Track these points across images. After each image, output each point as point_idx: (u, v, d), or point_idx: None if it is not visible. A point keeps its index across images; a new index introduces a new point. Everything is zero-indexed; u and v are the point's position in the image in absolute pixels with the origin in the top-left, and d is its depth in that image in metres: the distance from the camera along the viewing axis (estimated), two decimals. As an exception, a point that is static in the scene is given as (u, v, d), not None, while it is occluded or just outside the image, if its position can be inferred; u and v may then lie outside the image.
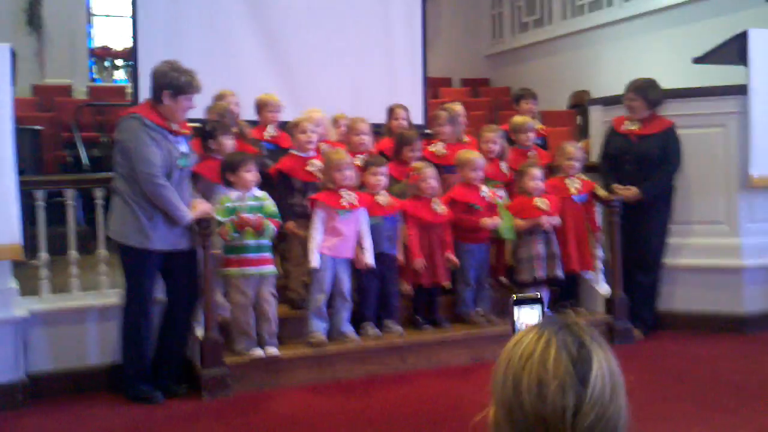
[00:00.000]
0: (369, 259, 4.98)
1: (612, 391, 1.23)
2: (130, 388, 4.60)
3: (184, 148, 4.60)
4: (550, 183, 5.69)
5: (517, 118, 6.18)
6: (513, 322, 1.62)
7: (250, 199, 4.76)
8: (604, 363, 1.25)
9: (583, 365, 1.24)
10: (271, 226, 4.75)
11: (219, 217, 4.64)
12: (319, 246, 4.87)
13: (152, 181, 4.37)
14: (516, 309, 1.62)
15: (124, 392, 4.63)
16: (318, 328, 4.92)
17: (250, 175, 4.72)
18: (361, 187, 5.28)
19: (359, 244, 4.99)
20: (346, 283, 4.98)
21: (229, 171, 4.76)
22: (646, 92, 5.86)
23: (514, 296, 1.65)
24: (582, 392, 1.22)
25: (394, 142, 5.74)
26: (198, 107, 5.55)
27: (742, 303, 5.89)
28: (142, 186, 4.39)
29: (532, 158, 5.90)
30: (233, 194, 4.72)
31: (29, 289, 4.80)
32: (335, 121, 6.16)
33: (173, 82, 4.47)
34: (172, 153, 4.48)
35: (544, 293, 5.61)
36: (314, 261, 4.84)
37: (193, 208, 4.59)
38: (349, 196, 4.91)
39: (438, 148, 5.86)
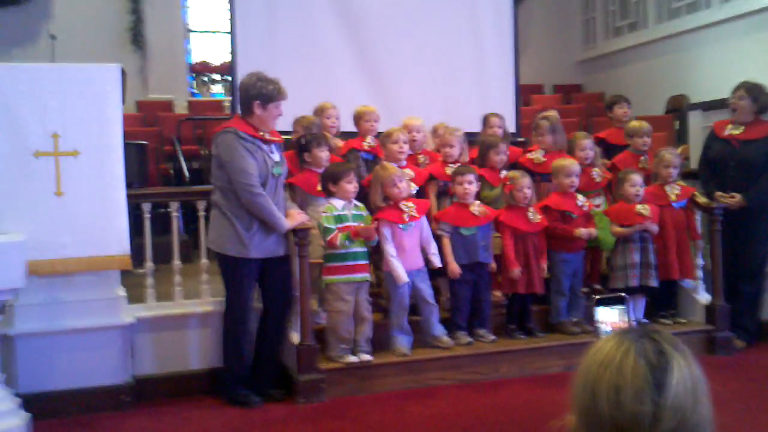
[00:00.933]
0: (437, 262, 5.04)
1: (694, 399, 1.23)
2: (229, 392, 4.76)
3: (277, 156, 4.75)
4: (649, 191, 5.58)
5: (635, 122, 6.12)
6: (595, 321, 1.61)
7: (354, 209, 4.87)
8: (685, 371, 1.25)
9: (662, 372, 1.23)
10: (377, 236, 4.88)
11: (327, 225, 4.74)
12: (397, 260, 4.91)
13: (250, 190, 4.52)
14: (598, 309, 1.61)
15: (223, 395, 4.80)
16: (402, 343, 4.99)
17: (351, 186, 4.83)
18: (452, 197, 5.33)
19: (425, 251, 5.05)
20: (425, 291, 5.03)
21: (330, 182, 4.87)
22: (757, 93, 5.69)
23: (596, 296, 1.64)
24: (660, 399, 1.21)
25: (478, 148, 5.74)
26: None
27: None
28: (240, 196, 4.54)
29: (643, 163, 5.83)
30: (338, 204, 4.83)
31: (134, 296, 5.02)
32: (434, 131, 6.20)
33: (262, 92, 4.63)
34: (267, 162, 4.63)
35: (639, 302, 5.52)
36: (402, 276, 4.89)
37: (290, 217, 4.72)
38: (408, 209, 4.95)
39: (537, 155, 5.81)
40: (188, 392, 4.96)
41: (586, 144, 5.75)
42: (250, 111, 4.66)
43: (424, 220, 5.09)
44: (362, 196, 5.13)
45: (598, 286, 5.84)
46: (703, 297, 5.69)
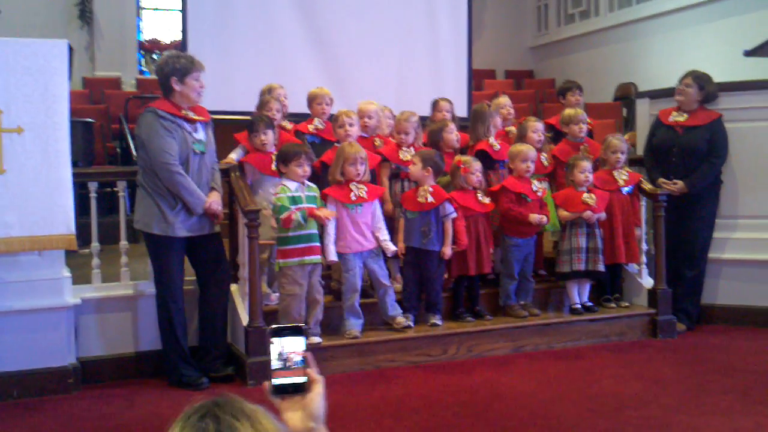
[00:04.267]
0: (391, 246, 5.05)
1: None
2: (174, 373, 4.76)
3: (200, 135, 4.76)
4: (598, 176, 5.67)
5: (569, 110, 6.14)
6: (270, 354, 1.52)
7: (307, 189, 4.85)
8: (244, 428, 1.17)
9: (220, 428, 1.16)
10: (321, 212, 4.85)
11: (282, 204, 4.71)
12: (333, 240, 4.92)
13: (168, 168, 4.54)
14: (276, 339, 1.52)
15: (168, 377, 4.78)
16: (353, 326, 5.00)
17: (300, 170, 4.79)
18: (404, 180, 5.37)
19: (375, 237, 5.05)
20: (379, 272, 5.04)
21: (281, 163, 4.86)
22: (704, 82, 5.79)
23: (272, 327, 1.56)
24: None
25: (427, 135, 5.75)
26: (249, 101, 5.69)
27: (788, 298, 5.83)
28: (158, 174, 4.56)
29: (584, 150, 5.88)
30: (291, 185, 4.80)
31: (79, 277, 4.94)
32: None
33: (176, 67, 4.67)
34: (187, 140, 4.64)
35: (585, 286, 5.62)
36: (331, 254, 4.90)
37: (210, 198, 4.73)
38: (358, 190, 4.96)
39: (494, 141, 5.77)
40: (135, 374, 4.92)
41: (537, 126, 5.80)
42: (170, 89, 4.68)
43: (376, 204, 5.09)
44: (314, 178, 5.11)
45: (542, 272, 5.95)
46: (647, 281, 5.81)
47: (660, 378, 4.69)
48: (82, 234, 4.91)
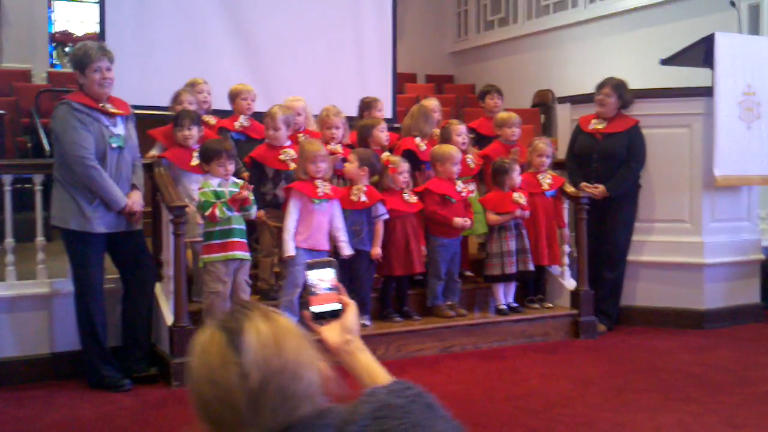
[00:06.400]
0: (347, 250, 4.99)
1: (277, 348, 1.29)
2: (94, 374, 4.58)
3: (119, 129, 4.59)
4: (523, 178, 5.75)
5: (504, 114, 6.22)
6: (307, 285, 1.72)
7: (231, 185, 4.73)
8: (262, 325, 1.31)
9: (236, 334, 1.28)
10: (253, 209, 4.76)
11: (206, 199, 4.59)
12: (293, 235, 4.85)
13: (82, 162, 4.38)
14: (311, 272, 1.72)
15: (87, 378, 4.60)
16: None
17: (222, 169, 4.68)
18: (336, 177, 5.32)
19: (333, 237, 4.99)
20: None
21: (203, 161, 4.76)
22: (622, 91, 5.95)
23: (307, 261, 1.80)
24: (240, 358, 1.26)
25: (357, 132, 5.72)
26: (170, 96, 5.54)
27: (702, 299, 6.04)
28: (73, 169, 4.40)
29: (515, 154, 5.96)
30: (214, 181, 4.69)
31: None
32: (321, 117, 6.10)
33: (75, 60, 4.55)
34: (104, 134, 4.48)
35: (510, 287, 5.70)
36: (290, 249, 4.82)
37: (129, 197, 4.57)
38: (324, 187, 4.90)
39: (420, 141, 5.78)
40: (52, 376, 4.72)
41: (462, 129, 5.85)
42: (80, 83, 4.54)
43: (336, 205, 5.02)
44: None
45: (468, 272, 6.00)
46: (569, 283, 5.93)
47: (584, 377, 4.78)
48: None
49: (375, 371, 1.62)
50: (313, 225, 4.89)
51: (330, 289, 1.71)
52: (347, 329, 1.67)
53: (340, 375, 1.44)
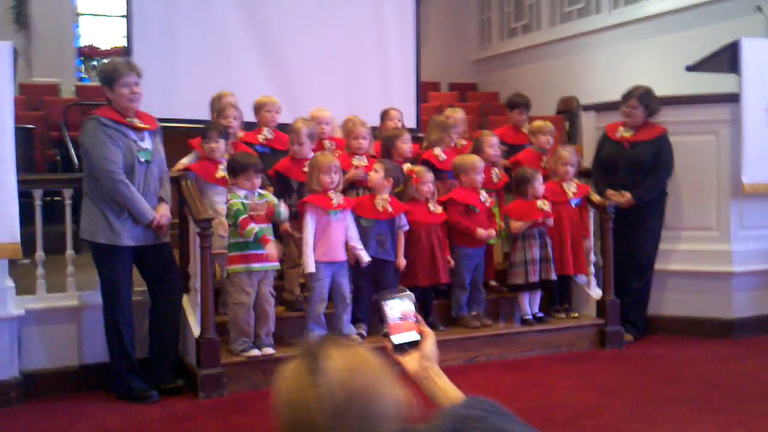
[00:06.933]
0: (366, 257, 5.00)
1: (352, 373, 1.38)
2: (121, 386, 4.62)
3: (146, 143, 4.64)
4: (548, 187, 5.73)
5: (539, 122, 6.24)
6: (385, 318, 1.81)
7: (257, 197, 4.77)
8: (336, 353, 1.40)
9: (314, 359, 1.39)
10: (281, 207, 4.80)
11: (238, 208, 4.63)
12: (312, 250, 4.86)
13: (111, 177, 4.43)
14: (387, 302, 1.79)
15: (115, 390, 4.64)
16: (318, 336, 4.92)
17: (248, 183, 4.72)
18: (359, 188, 5.34)
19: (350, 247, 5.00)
20: (344, 286, 4.99)
21: (231, 175, 4.80)
22: (648, 101, 5.91)
23: (382, 292, 1.90)
24: (316, 380, 1.36)
25: (381, 143, 5.73)
26: (195, 108, 5.60)
27: (730, 308, 5.97)
28: (102, 183, 4.46)
29: (544, 162, 5.98)
30: (241, 192, 4.73)
31: (23, 287, 4.78)
32: (344, 125, 6.12)
33: (103, 76, 4.62)
34: (132, 148, 4.53)
35: (536, 296, 5.68)
36: (310, 266, 4.83)
37: (156, 210, 4.62)
38: (337, 197, 4.92)
39: (440, 152, 5.78)
40: (80, 388, 4.77)
41: (494, 141, 5.84)
42: (109, 99, 4.60)
43: (349, 215, 5.02)
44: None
45: (493, 282, 5.98)
46: (595, 292, 5.89)
47: (611, 387, 4.75)
48: (25, 243, 4.74)
49: (453, 394, 1.73)
50: (331, 237, 4.89)
51: (408, 319, 1.80)
52: (426, 357, 1.79)
53: (421, 401, 1.53)
